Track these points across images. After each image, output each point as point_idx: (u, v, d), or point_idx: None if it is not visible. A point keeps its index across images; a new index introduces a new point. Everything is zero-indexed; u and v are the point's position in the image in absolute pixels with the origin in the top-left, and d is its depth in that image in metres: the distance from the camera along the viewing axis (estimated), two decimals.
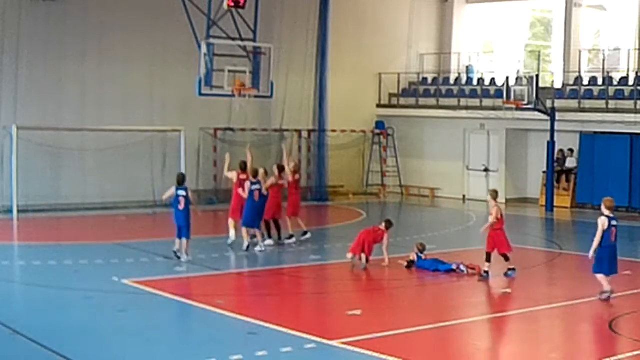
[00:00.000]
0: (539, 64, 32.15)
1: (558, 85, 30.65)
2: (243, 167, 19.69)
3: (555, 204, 28.84)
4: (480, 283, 16.36)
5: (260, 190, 19.02)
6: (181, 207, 17.54)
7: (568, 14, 32.05)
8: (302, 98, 31.17)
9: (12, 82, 25.52)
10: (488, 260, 16.62)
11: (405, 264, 17.73)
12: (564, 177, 29.85)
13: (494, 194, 17.10)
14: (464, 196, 31.11)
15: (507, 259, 16.90)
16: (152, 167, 27.65)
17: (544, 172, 29.53)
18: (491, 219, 16.60)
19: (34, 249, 19.72)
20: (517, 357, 12.01)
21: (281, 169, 20.31)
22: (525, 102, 27.56)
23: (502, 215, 16.72)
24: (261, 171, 19.50)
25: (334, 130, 31.73)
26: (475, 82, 32.81)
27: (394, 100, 34.03)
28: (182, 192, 17.60)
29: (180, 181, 17.82)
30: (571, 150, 29.44)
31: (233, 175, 19.81)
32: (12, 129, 24.65)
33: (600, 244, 14.44)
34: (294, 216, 20.72)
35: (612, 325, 12.86)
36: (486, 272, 16.67)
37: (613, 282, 14.83)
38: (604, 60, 30.18)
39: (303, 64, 31.00)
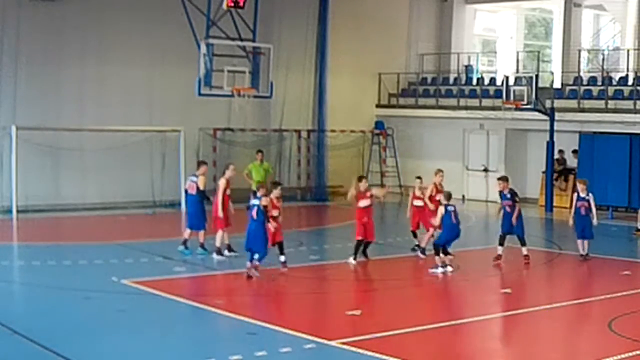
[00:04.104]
0: (538, 64, 32.13)
1: (557, 85, 30.62)
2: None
3: (554, 204, 28.83)
4: (480, 283, 16.37)
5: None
6: None
7: (567, 14, 32.07)
8: (302, 98, 31.13)
9: (11, 82, 25.48)
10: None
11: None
12: (563, 177, 29.82)
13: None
14: (463, 196, 31.06)
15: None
16: (151, 167, 27.61)
17: (543, 172, 29.50)
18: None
19: (34, 249, 19.70)
20: (517, 357, 12.00)
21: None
22: (525, 102, 27.53)
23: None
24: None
25: (333, 131, 31.69)
26: (474, 82, 32.80)
27: (394, 100, 33.99)
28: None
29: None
30: (575, 152, 29.30)
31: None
32: (12, 129, 24.63)
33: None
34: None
35: (612, 325, 12.85)
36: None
37: (612, 283, 14.81)
38: (603, 60, 30.16)
39: (302, 64, 30.97)
